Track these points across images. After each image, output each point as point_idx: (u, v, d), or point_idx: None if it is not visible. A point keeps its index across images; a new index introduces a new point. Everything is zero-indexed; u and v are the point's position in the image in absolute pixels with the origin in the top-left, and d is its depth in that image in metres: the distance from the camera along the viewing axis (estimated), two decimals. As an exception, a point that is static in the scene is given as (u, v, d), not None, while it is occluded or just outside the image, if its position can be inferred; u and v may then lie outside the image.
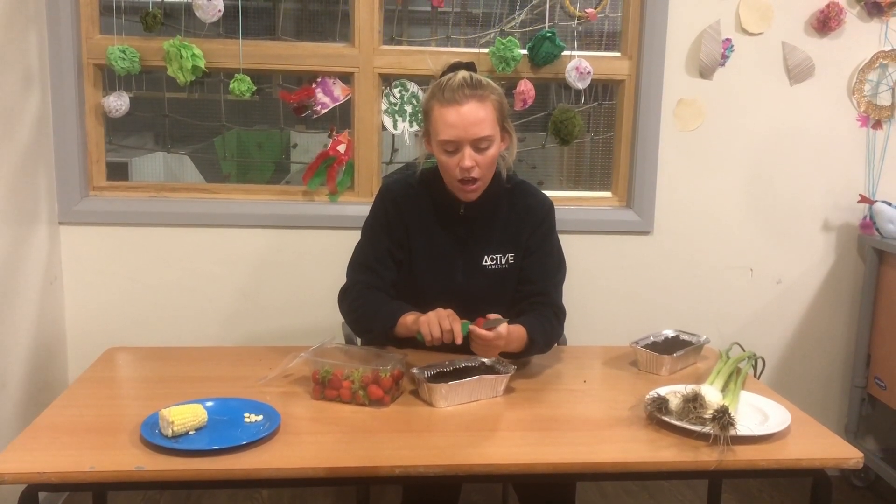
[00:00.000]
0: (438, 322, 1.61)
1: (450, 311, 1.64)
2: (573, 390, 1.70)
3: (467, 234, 1.87)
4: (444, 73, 1.78)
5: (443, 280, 1.84)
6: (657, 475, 1.47)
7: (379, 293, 1.82)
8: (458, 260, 1.86)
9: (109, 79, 2.51)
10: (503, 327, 1.61)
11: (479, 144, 1.72)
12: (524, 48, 2.55)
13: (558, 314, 1.85)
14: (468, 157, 1.72)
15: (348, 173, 2.61)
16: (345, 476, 1.35)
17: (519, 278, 1.89)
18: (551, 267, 1.90)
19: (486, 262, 1.86)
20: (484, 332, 1.60)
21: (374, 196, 1.94)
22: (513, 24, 2.61)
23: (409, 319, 1.71)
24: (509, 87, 2.59)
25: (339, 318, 2.25)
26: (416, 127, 2.61)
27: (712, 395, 1.52)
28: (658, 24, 2.56)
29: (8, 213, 2.19)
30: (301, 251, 2.59)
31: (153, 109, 2.64)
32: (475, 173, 1.74)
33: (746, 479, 2.68)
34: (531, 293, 1.86)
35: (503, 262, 1.87)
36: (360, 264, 1.87)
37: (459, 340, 1.60)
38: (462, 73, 1.75)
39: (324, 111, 2.56)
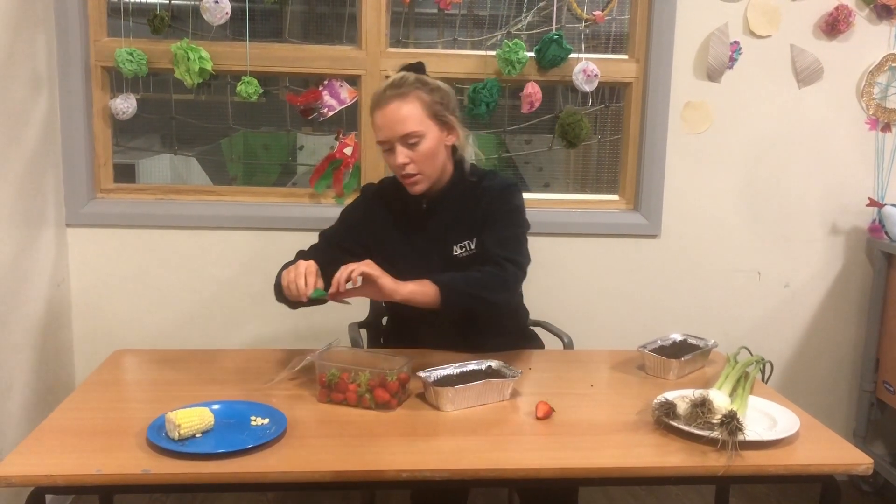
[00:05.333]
0: (295, 275, 1.67)
1: (311, 267, 1.69)
2: (580, 394, 1.70)
3: (437, 228, 1.91)
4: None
5: (423, 275, 1.80)
6: (664, 480, 1.46)
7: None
8: (433, 255, 1.90)
9: (117, 81, 2.52)
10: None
11: (407, 140, 1.79)
12: (531, 50, 2.54)
13: (499, 262, 1.80)
14: (399, 154, 1.80)
15: (355, 176, 2.61)
16: (351, 480, 1.34)
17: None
18: (500, 231, 1.86)
19: (456, 251, 1.89)
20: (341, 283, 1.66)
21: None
22: (520, 26, 2.61)
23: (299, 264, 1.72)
24: (516, 89, 2.58)
25: (346, 321, 2.26)
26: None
27: (720, 399, 1.51)
28: (666, 27, 2.55)
29: (15, 215, 2.20)
30: (307, 254, 2.59)
31: (160, 111, 2.65)
32: (411, 168, 1.81)
33: (754, 485, 2.67)
34: (482, 262, 1.83)
35: (471, 247, 1.89)
36: (323, 236, 1.99)
37: (304, 298, 1.67)
38: (394, 76, 1.84)
39: (331, 114, 2.56)
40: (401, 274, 1.76)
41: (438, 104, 1.83)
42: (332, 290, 1.67)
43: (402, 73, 1.84)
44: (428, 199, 1.91)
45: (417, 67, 1.89)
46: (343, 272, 1.66)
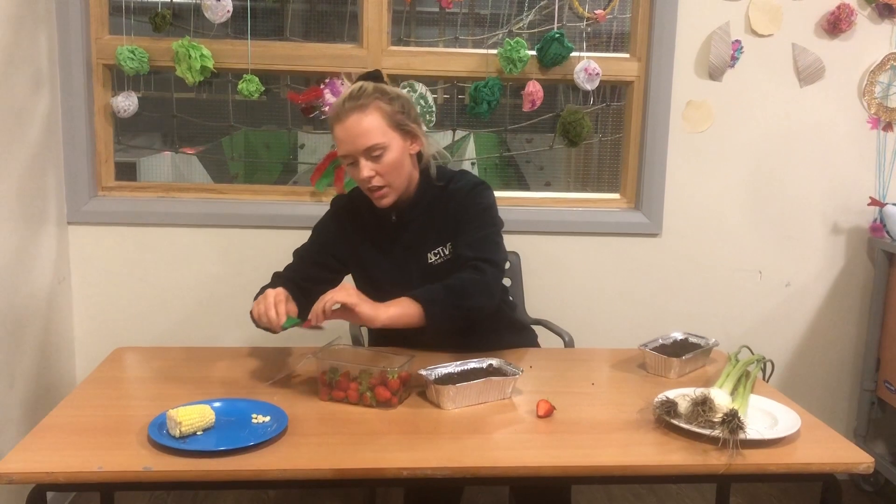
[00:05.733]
0: (265, 307, 1.65)
1: (279, 296, 1.67)
2: (581, 393, 1.70)
3: (409, 238, 1.88)
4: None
5: (402, 287, 1.78)
6: (665, 479, 1.46)
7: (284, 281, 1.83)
8: (410, 265, 1.87)
9: (118, 79, 2.52)
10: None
11: (371, 153, 1.74)
12: (532, 49, 2.54)
13: (476, 265, 1.78)
14: (364, 168, 1.75)
15: (356, 174, 2.61)
16: (352, 477, 1.34)
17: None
18: (473, 232, 1.83)
19: (430, 259, 1.87)
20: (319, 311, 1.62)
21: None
22: (521, 24, 2.61)
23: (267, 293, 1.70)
24: (517, 88, 2.58)
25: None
26: (423, 128, 2.60)
27: (721, 398, 1.51)
28: (667, 26, 2.55)
29: (17, 213, 2.20)
30: (308, 252, 2.59)
31: (162, 109, 2.65)
32: (376, 181, 1.77)
33: (755, 484, 2.67)
34: (458, 266, 1.81)
35: (445, 253, 1.86)
36: (297, 254, 1.93)
37: (277, 330, 1.66)
38: (351, 87, 1.77)
39: (332, 112, 2.56)
40: (379, 286, 1.75)
41: (400, 113, 1.78)
42: (312, 321, 1.63)
43: (360, 84, 1.77)
44: (397, 210, 1.86)
45: (375, 76, 1.83)
46: (319, 304, 1.62)
